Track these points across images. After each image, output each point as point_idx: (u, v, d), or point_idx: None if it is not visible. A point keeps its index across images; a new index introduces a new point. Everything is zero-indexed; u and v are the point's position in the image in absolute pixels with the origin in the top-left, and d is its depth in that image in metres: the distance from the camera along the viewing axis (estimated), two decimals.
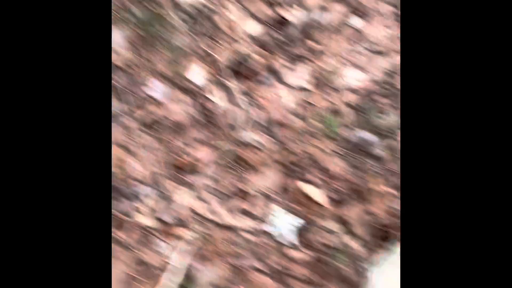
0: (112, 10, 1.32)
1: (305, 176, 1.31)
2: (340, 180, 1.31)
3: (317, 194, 1.28)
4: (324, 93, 1.40)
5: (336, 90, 1.42)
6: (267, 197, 1.29)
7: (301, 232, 1.25)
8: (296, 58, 1.41)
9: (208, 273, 1.19)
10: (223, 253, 1.22)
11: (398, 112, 1.41)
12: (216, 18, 1.39)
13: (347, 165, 1.33)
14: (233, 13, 1.41)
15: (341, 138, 1.36)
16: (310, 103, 1.39)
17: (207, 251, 1.22)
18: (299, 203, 1.29)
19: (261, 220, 1.26)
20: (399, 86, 1.42)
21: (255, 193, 1.27)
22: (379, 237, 1.26)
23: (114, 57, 1.28)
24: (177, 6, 1.36)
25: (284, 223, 1.24)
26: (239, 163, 1.31)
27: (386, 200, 1.26)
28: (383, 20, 1.50)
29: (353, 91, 1.43)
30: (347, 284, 1.20)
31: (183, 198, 1.24)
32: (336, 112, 1.39)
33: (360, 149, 1.35)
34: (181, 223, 1.22)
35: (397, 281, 1.17)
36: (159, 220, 1.21)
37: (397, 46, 1.49)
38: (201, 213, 1.24)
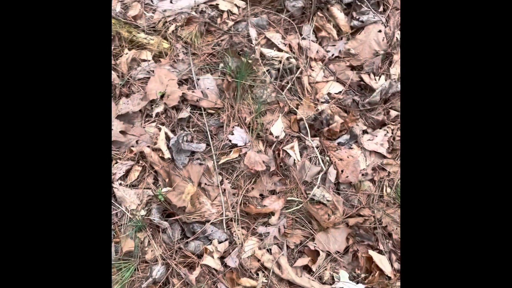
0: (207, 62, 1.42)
1: (372, 242, 1.30)
2: None
3: (384, 263, 1.26)
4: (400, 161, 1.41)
5: None
6: (333, 259, 1.28)
7: None
8: (376, 125, 1.44)
9: None
10: None
11: None
12: (302, 76, 1.45)
13: None
14: (318, 74, 1.47)
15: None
16: (384, 169, 1.40)
17: None
18: (364, 269, 1.27)
19: (323, 280, 1.25)
20: None
21: (322, 253, 1.27)
22: None
23: (204, 103, 1.37)
24: (264, 59, 1.44)
25: None
26: (309, 220, 1.32)
27: None
28: None
29: None
30: None
31: (251, 246, 1.25)
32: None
33: None
34: (246, 271, 1.23)
35: None
36: (225, 265, 1.23)
37: None
38: (265, 264, 1.24)
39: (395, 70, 1.50)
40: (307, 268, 1.27)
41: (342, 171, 1.36)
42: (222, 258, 1.23)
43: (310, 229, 1.31)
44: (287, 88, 1.44)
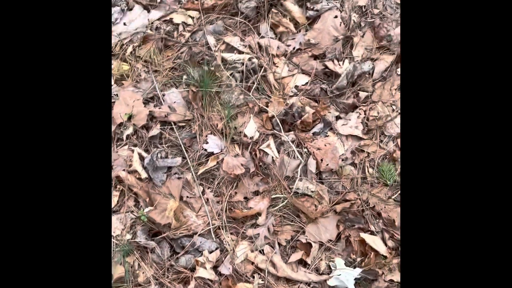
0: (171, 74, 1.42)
1: (363, 225, 1.29)
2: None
3: (377, 243, 1.25)
4: (378, 140, 1.40)
5: (389, 136, 1.42)
6: (327, 248, 1.27)
7: (363, 283, 1.21)
8: (348, 109, 1.44)
9: None
10: None
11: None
12: (267, 74, 1.45)
13: None
14: (283, 69, 1.47)
15: (398, 184, 1.34)
16: (363, 151, 1.39)
17: None
18: (359, 253, 1.26)
19: (320, 271, 1.24)
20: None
21: (314, 245, 1.26)
22: None
23: (173, 117, 1.36)
24: (226, 63, 1.44)
25: (345, 276, 1.20)
26: (297, 214, 1.31)
27: None
28: None
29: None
30: None
31: (243, 250, 1.24)
32: (392, 159, 1.39)
33: None
34: (241, 276, 1.22)
35: None
36: (219, 273, 1.22)
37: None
38: (260, 265, 1.23)
39: (358, 52, 1.50)
40: (302, 262, 1.26)
41: (321, 160, 1.35)
42: (215, 268, 1.22)
43: (299, 222, 1.30)
44: (254, 88, 1.44)
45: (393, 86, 1.47)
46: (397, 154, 1.38)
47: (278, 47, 1.50)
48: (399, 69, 1.48)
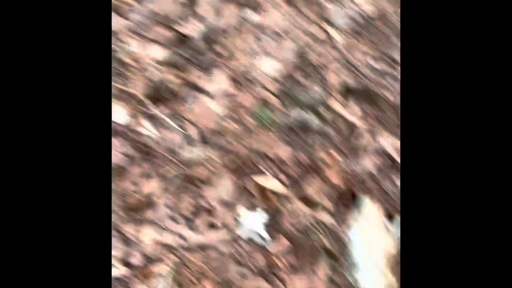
0: None
1: (257, 171, 1.33)
2: (291, 162, 1.34)
3: (274, 184, 1.30)
4: (247, 90, 1.43)
5: (256, 83, 1.45)
6: (229, 204, 1.28)
7: (271, 225, 1.26)
8: (209, 67, 1.43)
9: None
10: (206, 273, 1.20)
11: (323, 84, 1.47)
12: (120, 54, 1.38)
13: (293, 147, 1.37)
14: (135, 45, 1.41)
15: (277, 125, 1.39)
16: (237, 103, 1.42)
17: (189, 277, 1.19)
18: (260, 198, 1.30)
19: (230, 227, 1.26)
20: (313, 61, 1.49)
21: (216, 205, 1.26)
22: (344, 201, 1.30)
23: None
24: None
25: (252, 223, 1.24)
26: (191, 183, 1.29)
27: (336, 166, 1.31)
28: (273, 5, 1.57)
29: (273, 78, 1.47)
30: (331, 255, 1.21)
31: (148, 235, 1.20)
32: (265, 103, 1.43)
33: (300, 128, 1.39)
34: (155, 260, 1.19)
35: (375, 232, 1.21)
36: (131, 266, 1.17)
37: (296, 26, 1.56)
38: (170, 243, 1.21)
39: (204, 11, 1.49)
40: (210, 226, 1.26)
41: (200, 124, 1.34)
42: (127, 264, 1.17)
43: (197, 189, 1.29)
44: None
45: (246, 34, 1.49)
46: (270, 98, 1.43)
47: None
48: (246, 15, 1.51)
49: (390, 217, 1.28)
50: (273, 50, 1.51)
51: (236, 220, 1.27)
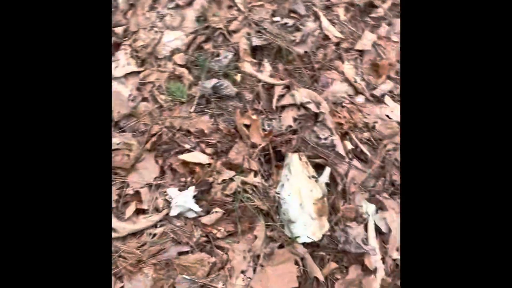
0: None
1: (180, 148, 1.29)
2: (214, 133, 1.32)
3: (198, 157, 1.27)
4: (154, 67, 1.38)
5: (164, 58, 1.41)
6: (157, 187, 1.25)
7: (202, 198, 1.24)
8: (114, 49, 1.37)
9: (139, 284, 1.14)
10: (145, 260, 1.17)
11: (231, 48, 1.45)
12: None
13: (211, 116, 1.34)
14: None
15: (192, 97, 1.36)
16: (147, 83, 1.36)
17: (127, 268, 1.15)
18: (187, 174, 1.27)
19: (162, 209, 1.23)
20: (220, 25, 1.46)
21: (142, 190, 1.22)
22: (270, 160, 1.30)
23: None
24: None
25: (182, 200, 1.21)
26: (115, 173, 1.24)
27: (256, 127, 1.30)
28: None
29: (180, 50, 1.43)
30: (267, 216, 1.22)
31: None
32: (175, 78, 1.39)
33: (216, 97, 1.37)
34: None
35: (304, 185, 1.23)
36: None
37: None
38: None
39: None
40: (140, 212, 1.23)
41: (113, 110, 1.28)
42: None
43: (120, 178, 1.24)
44: None
45: (142, 10, 1.43)
46: (178, 70, 1.39)
47: None
48: None
49: (318, 168, 1.31)
50: (176, 22, 1.46)
51: (166, 201, 1.24)
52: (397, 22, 1.57)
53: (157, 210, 1.22)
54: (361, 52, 1.49)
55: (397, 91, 1.44)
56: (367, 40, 1.49)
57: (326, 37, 1.49)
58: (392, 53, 1.49)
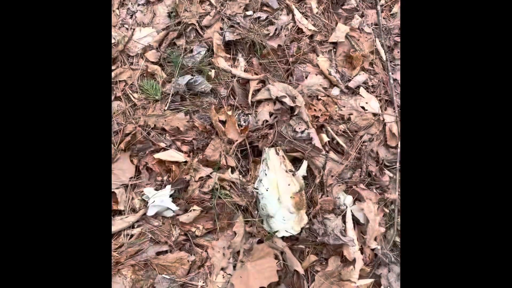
0: None
1: (155, 146, 1.28)
2: (190, 130, 1.31)
3: (173, 155, 1.26)
4: (126, 64, 1.35)
5: (136, 56, 1.38)
6: (133, 187, 1.23)
7: (179, 196, 1.23)
8: None
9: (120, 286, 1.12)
10: (123, 261, 1.15)
11: (204, 44, 1.43)
12: None
13: (186, 113, 1.33)
14: None
15: (166, 94, 1.34)
16: (120, 81, 1.34)
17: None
18: (163, 172, 1.26)
19: (139, 209, 1.21)
20: (192, 21, 1.43)
21: (118, 191, 1.20)
22: (247, 156, 1.30)
23: None
24: None
25: (159, 200, 1.20)
26: None
27: (231, 123, 1.29)
28: None
29: (152, 48, 1.41)
30: (246, 211, 1.22)
31: None
32: (148, 76, 1.36)
33: (190, 94, 1.35)
34: None
35: (282, 179, 1.23)
36: None
37: None
38: None
39: None
40: (117, 212, 1.21)
41: None
42: None
43: None
44: None
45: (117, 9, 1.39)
46: (151, 67, 1.36)
47: None
48: None
49: (295, 161, 1.31)
50: (146, 19, 1.43)
51: (143, 200, 1.22)
52: (370, 13, 1.57)
53: (133, 210, 1.21)
54: (335, 44, 1.49)
55: (371, 82, 1.45)
56: (340, 32, 1.49)
57: (300, 30, 1.48)
58: (366, 45, 1.50)
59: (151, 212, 1.19)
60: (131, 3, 1.44)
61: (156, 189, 1.22)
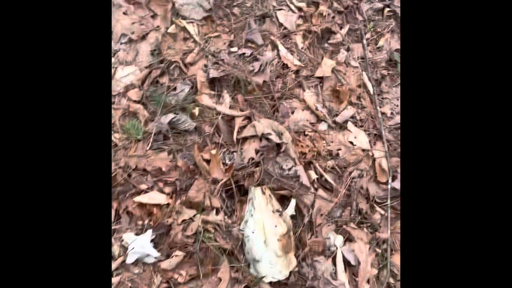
0: None
1: (136, 189, 1.23)
2: (173, 170, 1.26)
3: (155, 197, 1.21)
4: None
5: (118, 95, 1.35)
6: (114, 231, 1.17)
7: (160, 240, 1.17)
8: None
9: None
10: None
11: (188, 81, 1.41)
12: None
13: (169, 153, 1.29)
14: None
15: (148, 134, 1.30)
16: None
17: None
18: (144, 216, 1.21)
19: (118, 256, 1.15)
20: (175, 58, 1.42)
21: None
22: (232, 196, 1.25)
23: None
24: None
25: (139, 245, 1.14)
26: None
27: (216, 162, 1.25)
28: (123, 11, 1.48)
29: (134, 86, 1.38)
30: (231, 255, 1.16)
31: None
32: (130, 115, 1.33)
33: (174, 132, 1.32)
34: None
35: (269, 220, 1.17)
36: None
37: (149, 27, 1.48)
38: None
39: None
40: None
41: None
42: None
43: None
44: None
45: None
46: (133, 106, 1.33)
47: None
48: None
49: (283, 200, 1.26)
50: (130, 57, 1.41)
51: (122, 246, 1.16)
52: (356, 47, 1.57)
53: (112, 257, 1.14)
54: (321, 79, 1.47)
55: (359, 116, 1.42)
56: (326, 66, 1.48)
57: (285, 66, 1.47)
58: (353, 78, 1.48)
59: (130, 259, 1.13)
60: (114, 42, 1.43)
61: (136, 234, 1.17)
